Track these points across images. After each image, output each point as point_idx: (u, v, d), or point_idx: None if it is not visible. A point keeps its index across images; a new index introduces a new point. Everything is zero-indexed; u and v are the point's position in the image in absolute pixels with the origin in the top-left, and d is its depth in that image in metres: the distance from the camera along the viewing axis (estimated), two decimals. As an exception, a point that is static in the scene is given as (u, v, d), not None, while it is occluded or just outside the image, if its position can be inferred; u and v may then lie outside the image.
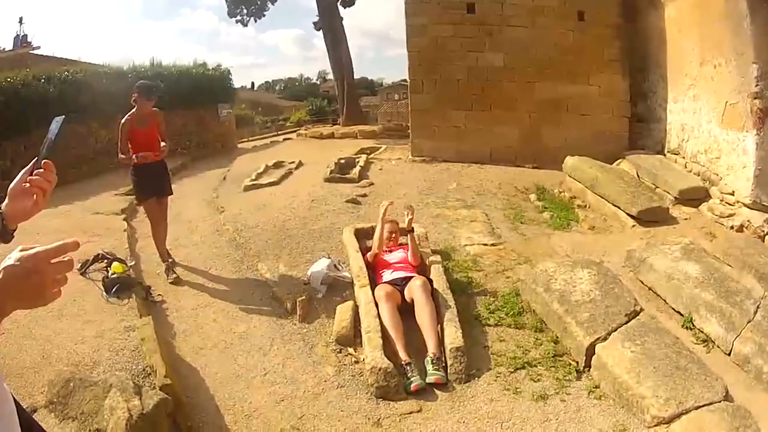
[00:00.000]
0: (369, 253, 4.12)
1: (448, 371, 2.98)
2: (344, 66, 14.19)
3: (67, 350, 3.16)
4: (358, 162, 8.34)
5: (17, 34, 13.81)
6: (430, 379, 2.90)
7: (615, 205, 5.39)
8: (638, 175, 6.21)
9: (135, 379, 2.84)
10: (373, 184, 7.05)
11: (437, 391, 2.89)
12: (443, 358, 3.03)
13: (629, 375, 2.66)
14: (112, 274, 3.92)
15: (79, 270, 4.21)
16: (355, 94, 14.03)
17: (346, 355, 3.27)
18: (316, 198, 6.29)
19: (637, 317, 3.10)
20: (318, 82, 42.61)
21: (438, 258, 4.16)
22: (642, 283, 3.79)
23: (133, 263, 4.53)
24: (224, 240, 5.34)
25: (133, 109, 4.28)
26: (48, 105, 8.43)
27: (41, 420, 2.58)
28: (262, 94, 22.00)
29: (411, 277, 3.69)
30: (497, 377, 2.96)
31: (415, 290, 3.42)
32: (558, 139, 7.56)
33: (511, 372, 2.99)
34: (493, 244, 4.88)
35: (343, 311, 3.54)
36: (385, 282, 3.76)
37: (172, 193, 4.82)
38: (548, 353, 3.12)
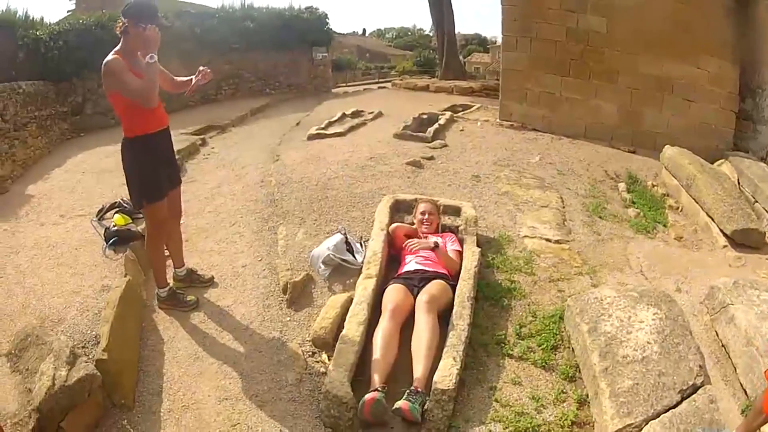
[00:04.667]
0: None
1: (427, 416, 2.23)
2: (445, 18, 12.87)
3: (44, 303, 2.98)
4: (439, 119, 7.38)
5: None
6: (397, 403, 2.18)
7: (709, 216, 4.13)
8: (739, 183, 4.79)
9: (85, 345, 2.62)
10: (446, 146, 6.10)
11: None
12: (424, 395, 2.29)
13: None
14: (113, 226, 3.64)
15: (95, 217, 4.02)
16: (455, 48, 12.77)
17: (318, 362, 2.67)
18: (375, 155, 5.54)
19: (693, 397, 2.09)
20: (431, 34, 40.47)
21: (476, 254, 3.27)
22: (717, 335, 2.70)
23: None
24: (263, 193, 4.85)
25: (119, 46, 2.63)
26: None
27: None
28: (372, 41, 21.09)
29: (433, 278, 2.94)
30: (486, 439, 2.16)
31: (418, 308, 2.68)
32: (659, 123, 6.22)
33: (508, 437, 2.17)
34: (557, 241, 3.86)
35: (332, 306, 2.91)
36: (403, 274, 3.05)
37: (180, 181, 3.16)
38: (566, 418, 2.23)
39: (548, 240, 3.86)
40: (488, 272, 3.39)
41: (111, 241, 3.52)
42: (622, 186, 4.87)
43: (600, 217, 4.20)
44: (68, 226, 4.00)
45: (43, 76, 6.98)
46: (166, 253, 3.27)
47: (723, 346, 2.59)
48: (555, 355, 2.64)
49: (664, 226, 4.14)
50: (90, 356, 2.49)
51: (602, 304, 2.58)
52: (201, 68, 2.96)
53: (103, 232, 3.62)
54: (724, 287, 2.72)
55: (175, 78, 3.06)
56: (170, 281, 3.21)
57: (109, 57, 2.58)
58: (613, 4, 6.25)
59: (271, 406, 2.43)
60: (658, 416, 1.98)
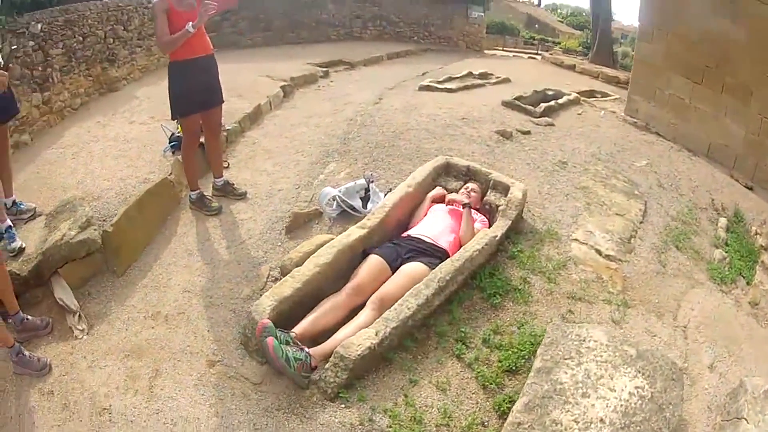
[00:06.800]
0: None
1: (320, 375, 1.98)
2: (602, 5, 10.89)
3: (94, 184, 3.15)
4: (562, 98, 6.29)
5: None
6: (268, 338, 1.92)
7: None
8: None
9: (105, 219, 2.81)
10: (552, 125, 5.18)
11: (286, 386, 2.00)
12: (307, 356, 2.00)
13: None
14: (178, 131, 3.69)
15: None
16: (608, 36, 10.93)
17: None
18: (469, 117, 4.91)
19: None
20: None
21: (485, 238, 2.71)
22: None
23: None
24: (343, 130, 4.64)
25: None
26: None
27: (37, 222, 2.74)
28: (543, 13, 18.62)
29: (425, 254, 2.55)
30: (357, 428, 1.82)
31: (370, 300, 2.30)
32: (786, 163, 4.39)
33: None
34: (608, 257, 3.04)
35: (311, 242, 2.73)
36: (399, 239, 2.70)
37: (224, 100, 3.13)
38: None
39: (598, 251, 3.07)
40: (507, 263, 2.82)
41: (172, 144, 3.60)
42: (722, 222, 3.59)
43: (677, 247, 3.17)
44: (150, 127, 4.09)
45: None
46: None
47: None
48: (507, 379, 2.10)
49: (747, 282, 2.95)
50: (102, 228, 2.68)
51: (580, 345, 1.92)
52: None
53: (169, 135, 3.70)
54: (751, 391, 1.79)
55: None
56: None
57: None
58: (758, 14, 4.42)
59: (215, 309, 2.43)
60: None
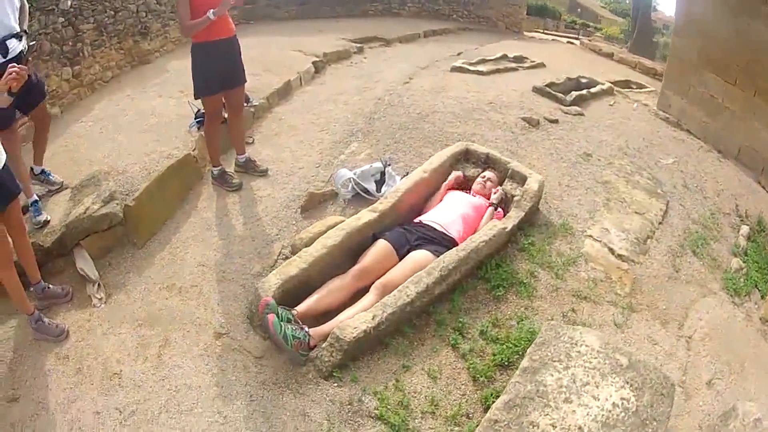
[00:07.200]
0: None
1: (317, 354, 2.04)
2: None
3: (120, 158, 3.16)
4: (595, 87, 5.96)
5: None
6: (269, 315, 1.97)
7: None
8: None
9: (128, 193, 2.86)
10: (582, 114, 4.92)
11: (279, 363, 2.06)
12: (306, 335, 2.05)
13: None
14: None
15: None
16: (648, 26, 10.24)
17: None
18: (497, 102, 4.72)
19: None
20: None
21: (493, 229, 2.65)
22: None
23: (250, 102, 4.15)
24: (370, 109, 4.54)
25: None
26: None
27: (63, 195, 2.82)
28: None
29: (433, 242, 2.53)
30: (346, 406, 1.87)
31: (374, 285, 2.30)
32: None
33: (369, 418, 1.84)
34: (620, 256, 2.94)
35: (323, 223, 2.75)
36: (409, 225, 2.68)
37: (246, 80, 3.09)
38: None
39: (611, 250, 2.97)
40: (516, 256, 2.77)
41: (197, 119, 3.58)
42: (744, 230, 3.37)
43: (694, 252, 3.02)
44: (178, 102, 4.03)
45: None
46: None
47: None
48: (498, 374, 2.10)
49: (762, 297, 2.77)
50: (124, 202, 2.76)
51: (571, 349, 1.88)
52: None
53: (195, 111, 3.64)
54: (742, 417, 1.69)
55: None
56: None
57: None
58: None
59: (226, 284, 2.51)
60: None
